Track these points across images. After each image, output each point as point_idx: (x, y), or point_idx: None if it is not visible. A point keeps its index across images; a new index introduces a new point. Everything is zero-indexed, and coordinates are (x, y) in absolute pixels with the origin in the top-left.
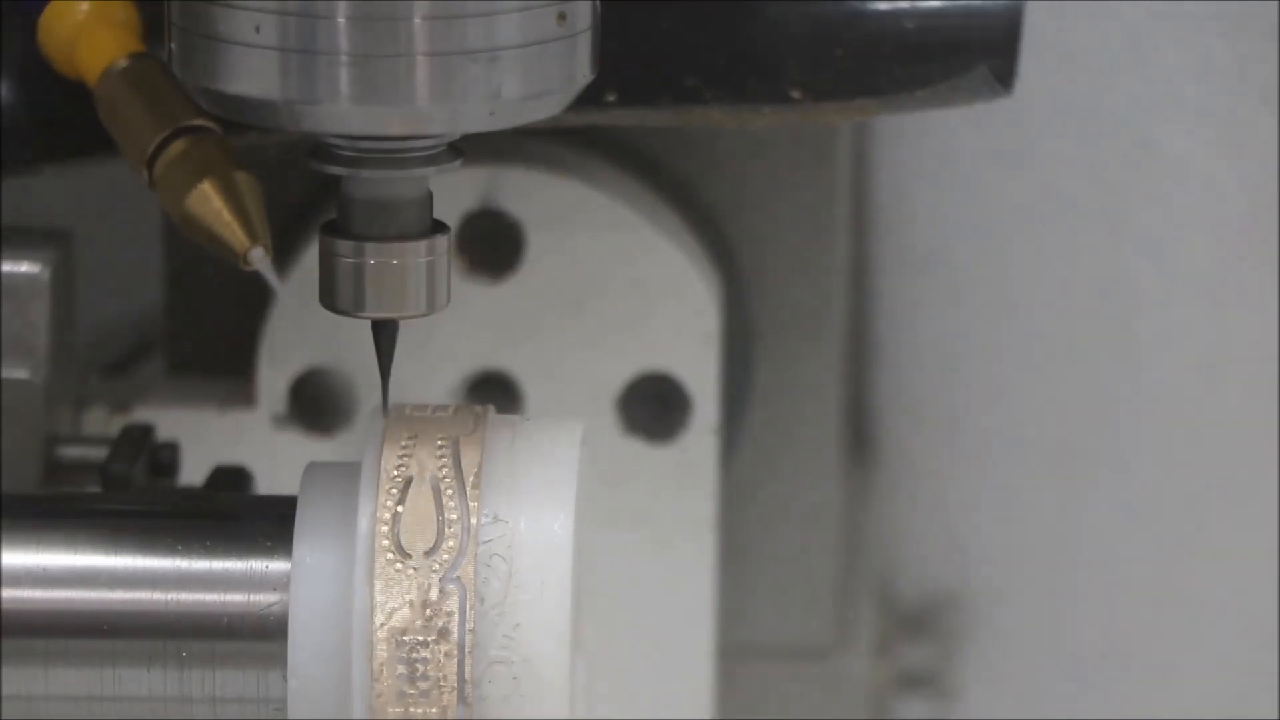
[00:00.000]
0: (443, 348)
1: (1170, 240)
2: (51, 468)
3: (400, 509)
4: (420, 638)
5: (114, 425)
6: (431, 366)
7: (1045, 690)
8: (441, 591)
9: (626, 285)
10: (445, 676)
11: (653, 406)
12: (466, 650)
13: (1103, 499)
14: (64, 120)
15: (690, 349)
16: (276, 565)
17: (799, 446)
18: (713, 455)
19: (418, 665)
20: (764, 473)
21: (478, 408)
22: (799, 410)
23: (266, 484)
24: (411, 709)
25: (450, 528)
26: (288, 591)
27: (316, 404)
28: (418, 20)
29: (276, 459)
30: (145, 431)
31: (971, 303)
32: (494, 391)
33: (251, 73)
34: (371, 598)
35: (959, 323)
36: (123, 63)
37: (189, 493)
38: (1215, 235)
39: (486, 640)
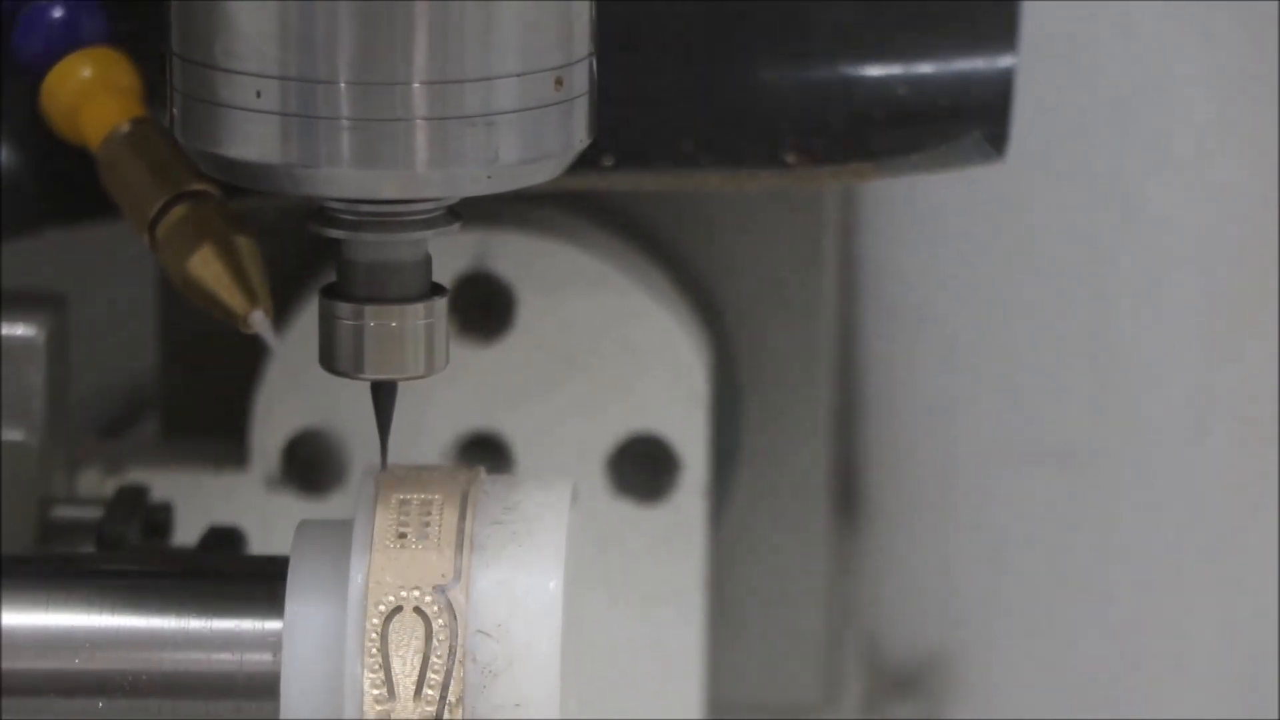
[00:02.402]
0: (434, 409)
1: (1158, 296)
2: (46, 529)
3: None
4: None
5: (108, 486)
6: (423, 427)
7: None
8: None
9: (616, 347)
10: None
11: (642, 467)
12: (455, 710)
13: (1094, 557)
14: (67, 184)
15: (679, 410)
16: (269, 625)
17: (787, 506)
18: (702, 515)
19: None
20: (752, 532)
21: (468, 472)
22: (787, 470)
23: (260, 544)
24: None
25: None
26: (280, 651)
27: (310, 465)
28: (416, 85)
29: (270, 520)
30: (139, 493)
31: (959, 361)
32: (485, 452)
33: (252, 137)
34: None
35: (947, 381)
36: (125, 127)
37: (183, 553)
38: (1203, 290)
39: (476, 700)
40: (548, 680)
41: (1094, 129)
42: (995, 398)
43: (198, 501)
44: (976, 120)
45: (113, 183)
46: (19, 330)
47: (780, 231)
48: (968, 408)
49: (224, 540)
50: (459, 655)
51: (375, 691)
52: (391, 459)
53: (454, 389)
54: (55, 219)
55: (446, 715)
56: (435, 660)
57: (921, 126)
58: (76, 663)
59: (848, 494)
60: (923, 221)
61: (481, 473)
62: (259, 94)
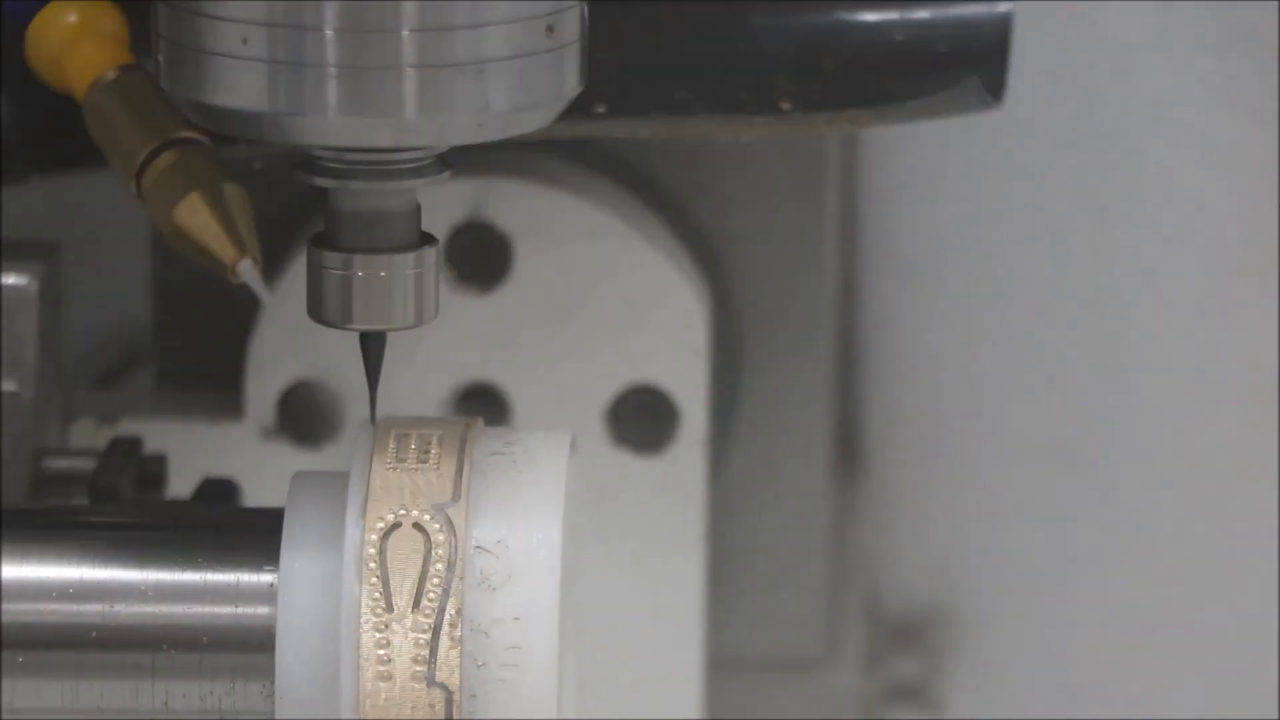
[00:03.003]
0: (431, 359)
1: (1159, 255)
2: (39, 480)
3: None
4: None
5: (102, 437)
6: (420, 378)
7: (1033, 703)
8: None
9: (615, 297)
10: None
11: (641, 418)
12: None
13: (1092, 512)
14: (53, 132)
15: (679, 361)
16: (264, 577)
17: (788, 458)
18: (701, 467)
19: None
20: (753, 485)
21: (466, 419)
22: (788, 422)
23: (254, 496)
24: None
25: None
26: (275, 603)
27: (304, 416)
28: (405, 32)
29: (264, 471)
30: (133, 444)
31: (960, 316)
32: (482, 403)
33: (239, 85)
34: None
35: (948, 335)
36: (111, 75)
37: (177, 505)
38: (1204, 250)
39: (475, 613)
40: (547, 593)
41: (1096, 87)
42: (996, 350)
43: (192, 453)
44: (974, 66)
45: (99, 131)
46: (12, 279)
47: (781, 181)
48: (969, 363)
49: (218, 492)
50: (458, 570)
51: (373, 605)
52: (388, 410)
53: (451, 339)
54: (41, 168)
55: (445, 627)
56: (434, 574)
57: (919, 73)
58: (70, 615)
59: (848, 446)
60: (924, 176)
61: (479, 423)
62: (245, 41)
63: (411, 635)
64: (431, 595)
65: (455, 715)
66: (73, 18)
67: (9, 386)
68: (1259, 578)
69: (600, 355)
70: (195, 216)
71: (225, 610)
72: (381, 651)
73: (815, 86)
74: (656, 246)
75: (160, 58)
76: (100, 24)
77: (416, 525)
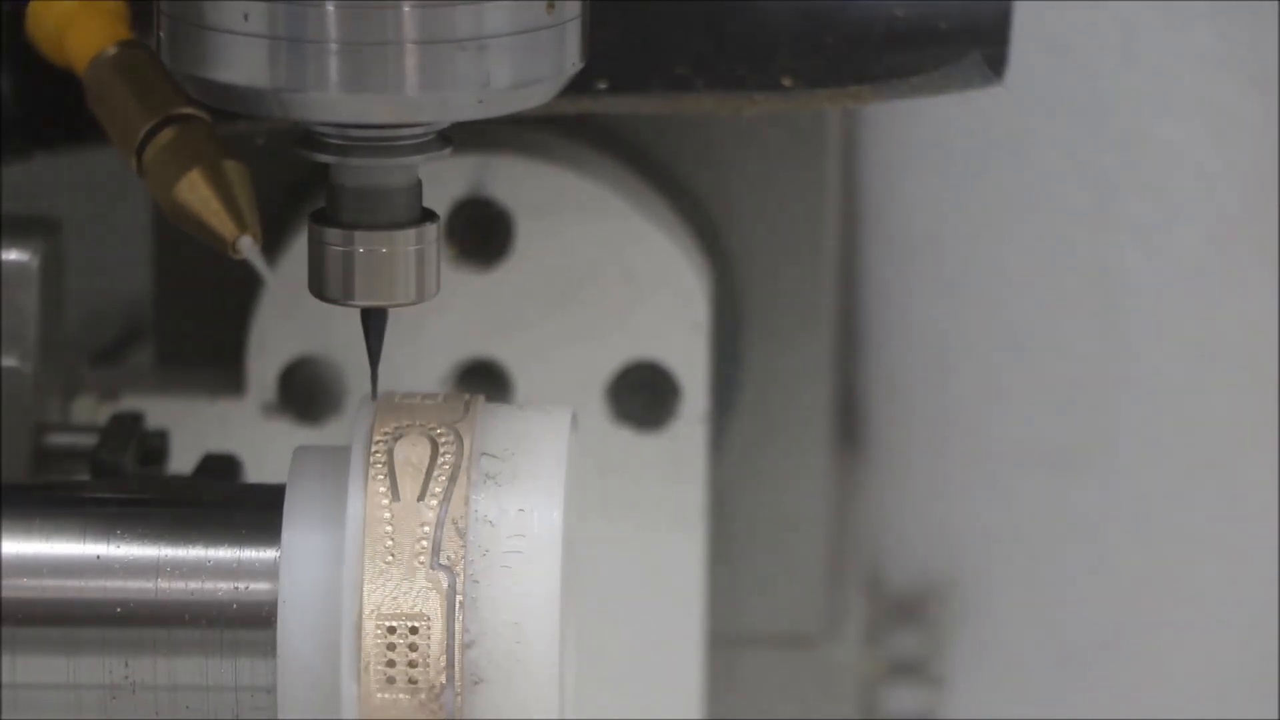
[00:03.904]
0: (432, 336)
1: (1162, 229)
2: (40, 456)
3: (390, 495)
4: (410, 624)
5: (103, 413)
6: (421, 354)
7: (1034, 678)
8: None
9: (616, 274)
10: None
11: (642, 395)
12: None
13: (1093, 488)
14: (54, 108)
15: (680, 337)
16: (265, 553)
17: (788, 435)
18: (702, 444)
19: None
20: (753, 461)
21: (467, 395)
22: (788, 399)
23: (256, 472)
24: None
25: (439, 514)
26: (277, 578)
27: (306, 392)
28: (407, 8)
29: (266, 447)
30: (134, 420)
31: (962, 292)
32: (483, 379)
33: (240, 61)
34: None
35: (949, 312)
36: (111, 51)
37: (178, 481)
38: (1207, 224)
39: (475, 626)
40: (548, 608)
41: (1098, 61)
42: (997, 325)
43: (193, 429)
44: (975, 42)
45: (99, 107)
46: (13, 255)
47: (782, 157)
48: (970, 337)
49: (220, 468)
50: (465, 468)
51: (380, 495)
52: (390, 386)
53: (452, 316)
54: (42, 144)
55: (449, 515)
56: (440, 471)
57: (919, 49)
58: (71, 590)
59: (849, 422)
60: (925, 151)
61: (480, 399)
62: (246, 17)
63: (416, 522)
64: (437, 489)
65: (458, 598)
66: None
67: (10, 362)
68: (1260, 549)
69: (601, 332)
70: (195, 193)
71: (227, 586)
72: (390, 543)
73: (816, 62)
74: (657, 223)
75: (162, 33)
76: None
77: (424, 434)
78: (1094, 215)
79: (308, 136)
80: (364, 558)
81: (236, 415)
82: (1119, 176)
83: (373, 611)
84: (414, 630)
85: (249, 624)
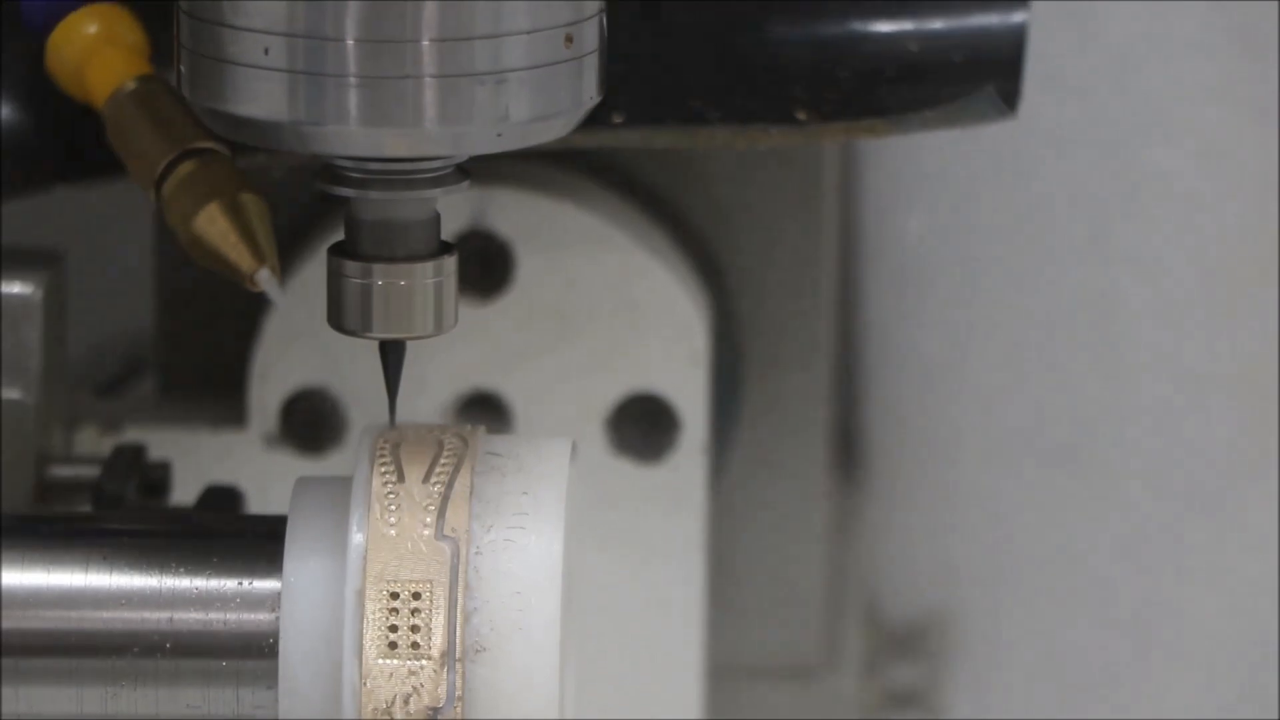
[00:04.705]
0: (433, 367)
1: (1157, 259)
2: (43, 487)
3: (395, 479)
4: (413, 590)
5: (105, 445)
6: (422, 386)
7: (1033, 710)
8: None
9: (616, 306)
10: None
11: (642, 427)
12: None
13: (1091, 518)
14: (73, 142)
15: (679, 369)
16: (267, 583)
17: (787, 466)
18: (701, 475)
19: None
20: (752, 492)
21: (468, 427)
22: (787, 430)
23: (258, 503)
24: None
25: (445, 492)
26: (279, 609)
27: (308, 423)
28: (425, 43)
29: (268, 478)
30: (137, 451)
31: (959, 323)
32: (484, 411)
33: (260, 95)
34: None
35: (947, 343)
36: (131, 85)
37: (180, 512)
38: (1202, 254)
39: (477, 658)
40: (548, 640)
41: (1096, 92)
42: (995, 360)
43: (195, 460)
44: (989, 76)
45: (118, 141)
46: (16, 288)
47: (781, 190)
48: (968, 369)
49: (222, 499)
50: (469, 460)
51: (386, 478)
52: (384, 418)
53: (452, 348)
54: (62, 177)
55: (454, 494)
56: (446, 461)
57: (933, 82)
58: (73, 621)
59: (847, 454)
60: (922, 185)
61: (480, 431)
62: (267, 51)
63: (422, 497)
64: (442, 474)
65: (461, 567)
66: (93, 28)
67: (13, 394)
68: (1261, 580)
69: (601, 364)
70: (214, 226)
71: (229, 617)
72: (394, 518)
73: (831, 96)
74: (657, 256)
75: (182, 67)
76: (120, 33)
77: (430, 434)
78: (1091, 246)
79: (327, 170)
80: (368, 527)
81: (238, 447)
82: (1116, 207)
83: (376, 578)
84: (416, 596)
85: (251, 654)
